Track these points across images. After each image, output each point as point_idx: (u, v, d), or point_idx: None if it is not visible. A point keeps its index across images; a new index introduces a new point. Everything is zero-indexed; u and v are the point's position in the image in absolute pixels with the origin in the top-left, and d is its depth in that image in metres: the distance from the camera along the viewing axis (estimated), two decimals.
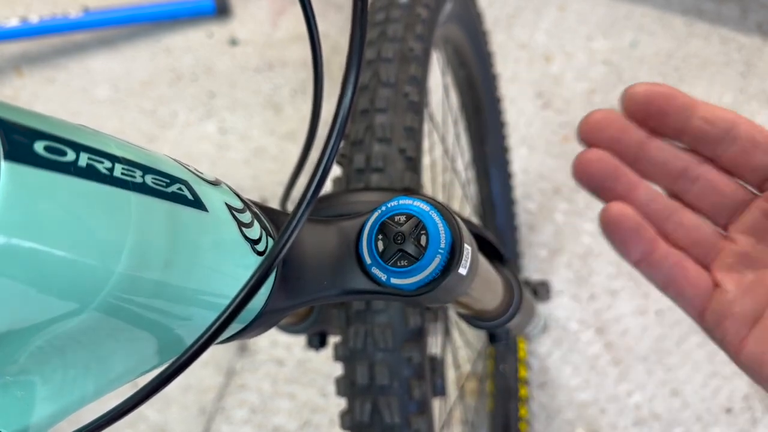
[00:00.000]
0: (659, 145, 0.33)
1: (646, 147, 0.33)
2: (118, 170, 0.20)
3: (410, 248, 0.30)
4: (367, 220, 0.32)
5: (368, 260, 0.31)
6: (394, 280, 0.30)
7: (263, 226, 0.29)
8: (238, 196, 0.29)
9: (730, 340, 0.33)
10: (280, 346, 1.07)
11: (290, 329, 0.48)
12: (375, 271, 0.31)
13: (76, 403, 0.23)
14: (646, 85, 0.31)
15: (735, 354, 0.33)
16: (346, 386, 0.46)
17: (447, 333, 0.74)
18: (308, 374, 1.05)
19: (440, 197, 0.85)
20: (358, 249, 0.32)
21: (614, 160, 0.33)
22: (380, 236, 0.31)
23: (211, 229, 0.24)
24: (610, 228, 0.33)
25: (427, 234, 0.30)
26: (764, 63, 1.23)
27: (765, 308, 0.31)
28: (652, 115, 0.31)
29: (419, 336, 0.46)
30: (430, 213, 0.30)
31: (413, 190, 0.47)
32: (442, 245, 0.30)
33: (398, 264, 0.30)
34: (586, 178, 0.33)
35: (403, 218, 0.31)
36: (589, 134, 0.33)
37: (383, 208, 0.32)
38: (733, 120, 0.30)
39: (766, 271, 0.32)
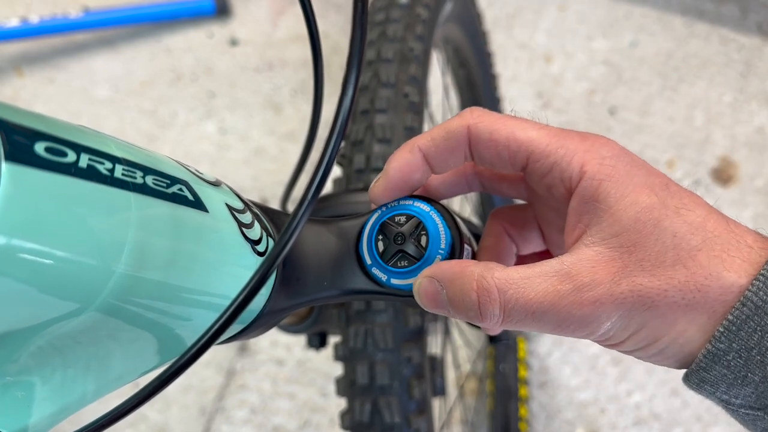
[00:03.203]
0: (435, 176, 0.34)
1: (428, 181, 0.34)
2: (119, 171, 0.20)
3: (410, 249, 0.30)
4: (368, 220, 0.32)
5: (368, 260, 0.31)
6: (394, 281, 0.30)
7: (264, 227, 0.29)
8: (239, 196, 0.29)
9: None
10: (280, 346, 1.07)
11: (290, 329, 0.48)
12: (375, 271, 0.31)
13: (76, 403, 0.23)
14: (376, 187, 0.32)
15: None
16: (346, 386, 0.46)
17: (447, 333, 0.74)
18: (308, 374, 1.05)
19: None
20: (358, 249, 0.32)
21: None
22: (380, 237, 0.31)
23: (211, 230, 0.24)
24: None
25: (427, 234, 0.30)
26: (764, 63, 1.23)
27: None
28: (402, 189, 0.32)
29: (419, 336, 0.46)
30: (430, 213, 0.30)
31: None
32: (443, 246, 0.30)
33: (398, 264, 0.30)
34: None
35: (403, 219, 0.31)
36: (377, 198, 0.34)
37: (383, 208, 0.32)
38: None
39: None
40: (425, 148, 0.30)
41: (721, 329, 0.25)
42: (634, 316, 0.26)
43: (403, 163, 0.30)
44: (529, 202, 0.35)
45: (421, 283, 0.29)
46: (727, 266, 0.25)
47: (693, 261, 0.25)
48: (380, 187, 0.31)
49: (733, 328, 0.24)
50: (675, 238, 0.25)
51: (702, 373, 0.26)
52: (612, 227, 0.26)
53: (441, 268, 0.29)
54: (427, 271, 0.29)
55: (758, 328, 0.24)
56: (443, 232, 0.30)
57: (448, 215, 0.31)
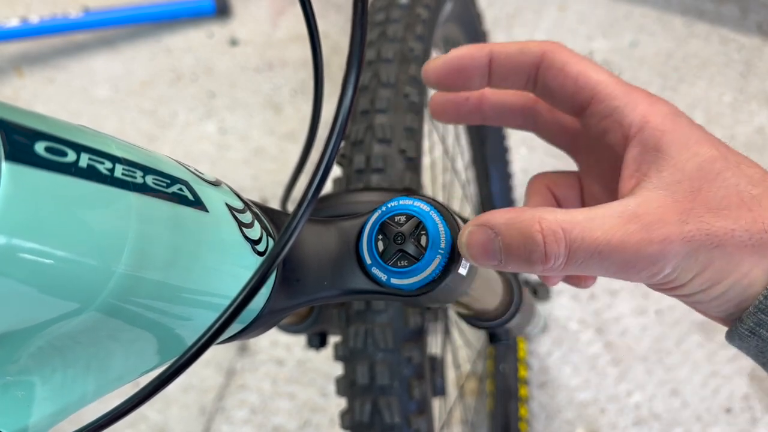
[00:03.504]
0: (493, 90, 0.34)
1: (485, 95, 0.35)
2: (119, 171, 0.20)
3: (410, 248, 0.30)
4: (368, 220, 0.32)
5: (368, 260, 0.31)
6: (394, 281, 0.30)
7: (264, 227, 0.29)
8: (239, 196, 0.29)
9: None
10: (280, 346, 1.07)
11: (290, 329, 0.48)
12: (375, 271, 0.31)
13: (76, 403, 0.23)
14: (432, 62, 0.32)
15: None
16: (346, 386, 0.46)
17: (447, 333, 0.74)
18: (308, 374, 1.05)
19: (440, 197, 0.85)
20: (358, 249, 0.32)
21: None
22: (380, 236, 0.31)
23: (211, 230, 0.24)
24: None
25: (427, 234, 0.30)
26: (764, 63, 1.23)
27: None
28: (457, 77, 0.33)
29: (419, 336, 0.46)
30: (430, 213, 0.30)
31: (413, 190, 0.47)
32: (442, 246, 0.30)
33: (398, 264, 0.30)
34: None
35: (403, 218, 0.31)
36: (436, 112, 0.36)
37: (383, 208, 0.32)
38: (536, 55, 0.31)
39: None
40: (495, 51, 0.31)
41: None
42: (700, 255, 0.26)
43: (466, 51, 0.31)
44: (574, 154, 0.35)
45: (470, 232, 0.28)
46: None
47: (758, 205, 0.26)
48: (436, 62, 0.32)
49: None
50: (737, 187, 0.26)
51: (760, 315, 0.26)
52: (674, 175, 0.26)
53: (492, 215, 0.27)
54: (476, 220, 0.28)
55: None
56: (443, 232, 0.30)
57: (448, 215, 0.31)
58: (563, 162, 0.37)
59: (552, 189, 0.35)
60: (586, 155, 0.34)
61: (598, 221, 0.26)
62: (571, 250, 0.26)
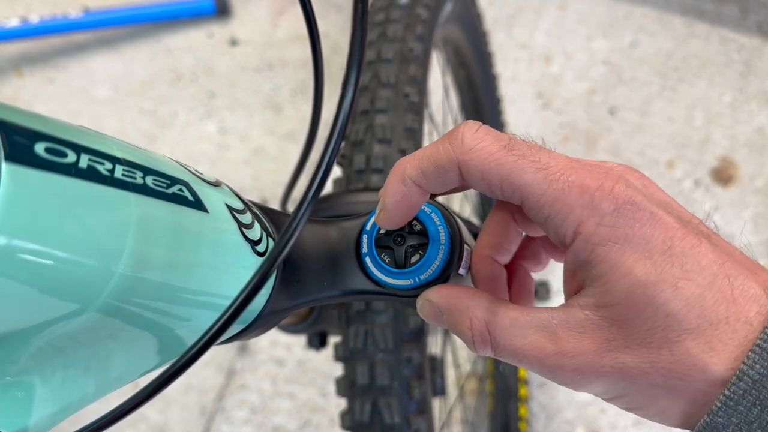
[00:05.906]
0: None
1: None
2: (119, 171, 0.20)
3: (399, 255, 0.30)
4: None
5: (368, 227, 0.31)
6: (368, 260, 0.31)
7: (264, 227, 0.29)
8: (239, 197, 0.29)
9: None
10: (280, 346, 1.07)
11: (290, 329, 0.48)
12: (364, 239, 0.31)
13: (76, 404, 0.23)
14: (381, 218, 0.30)
15: None
16: (346, 386, 0.46)
17: (447, 333, 0.74)
18: (308, 374, 1.05)
19: (440, 197, 0.85)
20: (358, 249, 0.32)
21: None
22: None
23: (211, 230, 0.25)
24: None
25: (420, 258, 0.30)
26: (764, 63, 1.23)
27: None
28: (408, 214, 0.31)
29: (419, 336, 0.46)
30: (440, 246, 0.30)
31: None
32: (422, 277, 0.30)
33: (382, 256, 0.30)
34: None
35: (419, 227, 0.31)
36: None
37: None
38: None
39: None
40: (416, 180, 0.28)
41: (719, 404, 0.24)
42: (613, 386, 0.26)
43: (398, 197, 0.29)
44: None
45: (422, 304, 0.30)
46: (715, 355, 0.24)
47: (680, 347, 0.24)
48: (384, 218, 0.30)
49: (731, 402, 0.24)
50: (667, 318, 0.24)
51: None
52: (604, 297, 0.26)
53: (440, 294, 0.29)
54: (429, 294, 0.30)
55: (757, 402, 0.23)
56: (434, 268, 0.30)
57: (456, 252, 0.30)
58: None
59: (516, 216, 0.32)
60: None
61: (522, 331, 0.27)
62: (496, 352, 0.28)
